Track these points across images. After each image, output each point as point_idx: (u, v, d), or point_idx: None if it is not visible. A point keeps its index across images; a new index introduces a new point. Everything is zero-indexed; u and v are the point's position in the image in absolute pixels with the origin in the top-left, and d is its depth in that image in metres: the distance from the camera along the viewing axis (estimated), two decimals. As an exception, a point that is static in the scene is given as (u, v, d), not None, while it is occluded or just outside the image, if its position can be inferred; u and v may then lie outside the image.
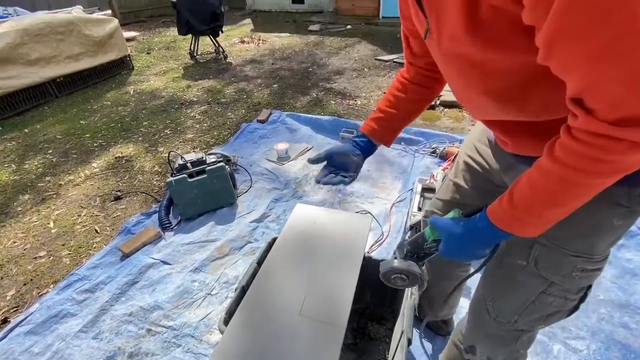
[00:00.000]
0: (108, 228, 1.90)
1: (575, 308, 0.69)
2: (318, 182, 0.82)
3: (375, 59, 4.55)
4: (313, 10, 8.34)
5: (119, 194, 2.14)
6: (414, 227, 1.83)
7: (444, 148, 2.31)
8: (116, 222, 1.94)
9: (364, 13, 7.16)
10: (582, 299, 0.68)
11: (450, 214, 0.63)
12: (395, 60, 4.41)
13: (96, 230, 1.88)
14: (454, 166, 0.93)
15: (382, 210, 1.93)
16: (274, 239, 1.08)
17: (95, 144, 2.79)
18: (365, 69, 4.23)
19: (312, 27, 6.58)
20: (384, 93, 3.43)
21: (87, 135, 2.95)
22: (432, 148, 2.39)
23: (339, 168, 0.83)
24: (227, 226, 1.85)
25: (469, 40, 0.48)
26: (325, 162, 0.84)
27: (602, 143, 0.40)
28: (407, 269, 0.68)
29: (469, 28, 0.46)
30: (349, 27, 6.57)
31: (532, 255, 0.66)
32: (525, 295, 0.70)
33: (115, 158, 2.57)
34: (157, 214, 1.90)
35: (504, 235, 0.54)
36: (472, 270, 0.70)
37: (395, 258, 0.71)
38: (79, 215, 1.99)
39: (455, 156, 0.95)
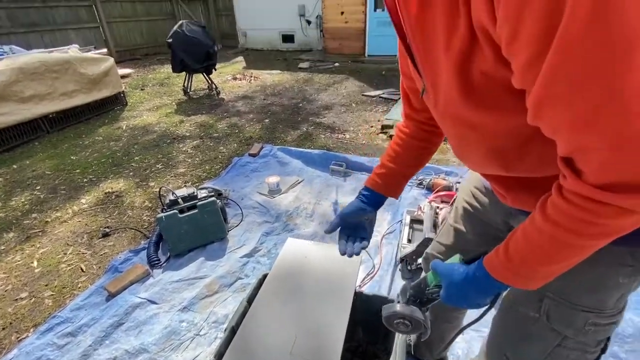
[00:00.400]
0: (94, 266, 1.86)
1: (597, 359, 0.67)
2: (343, 253, 0.81)
3: (362, 95, 4.76)
4: (303, 49, 8.78)
5: (107, 230, 2.11)
6: (404, 260, 1.84)
7: (430, 180, 2.39)
8: (103, 259, 1.90)
9: (350, 52, 7.57)
10: (603, 351, 0.66)
11: (451, 259, 0.63)
12: (380, 96, 4.63)
13: (82, 269, 1.84)
14: (452, 211, 0.93)
15: (373, 242, 1.95)
16: (265, 276, 1.08)
17: (85, 180, 2.78)
18: (353, 104, 4.41)
19: (302, 65, 6.90)
20: (371, 127, 3.59)
21: (77, 170, 2.95)
22: (419, 180, 2.46)
23: (354, 229, 0.82)
24: (217, 262, 1.83)
25: (463, 104, 0.49)
26: (339, 228, 0.82)
27: (590, 206, 0.39)
28: (410, 315, 0.66)
29: (462, 92, 0.48)
30: (336, 64, 6.91)
31: (542, 308, 0.65)
32: (541, 347, 0.68)
33: (105, 194, 2.56)
34: (145, 251, 1.88)
35: (502, 285, 0.53)
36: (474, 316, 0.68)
37: (399, 302, 0.69)
38: (65, 254, 1.95)
39: (454, 201, 0.96)
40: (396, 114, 3.73)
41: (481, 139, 0.54)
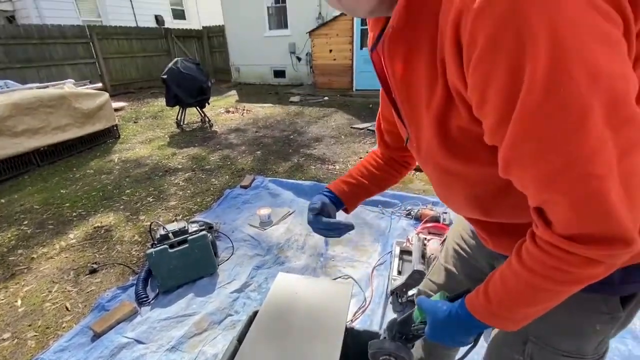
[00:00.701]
0: (80, 305, 1.81)
1: None
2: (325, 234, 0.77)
3: (351, 127, 4.93)
4: (294, 84, 9.13)
5: (94, 266, 2.08)
6: (395, 293, 1.85)
7: (418, 210, 2.45)
8: (90, 297, 1.86)
9: (339, 86, 7.91)
10: None
11: (436, 296, 0.65)
12: (369, 128, 4.80)
13: (67, 308, 1.79)
14: (443, 250, 0.96)
15: (364, 274, 1.96)
16: (255, 313, 1.09)
17: (74, 214, 2.76)
18: (342, 136, 4.56)
19: (293, 99, 7.15)
20: (360, 158, 3.70)
21: (67, 204, 2.93)
22: (407, 210, 2.52)
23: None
24: (207, 298, 1.81)
25: (442, 154, 0.53)
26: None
27: (560, 254, 0.42)
28: (396, 351, 0.68)
29: (442, 144, 0.52)
30: (326, 98, 7.18)
31: (526, 351, 0.67)
32: None
33: (94, 228, 2.53)
34: (134, 287, 1.85)
35: (483, 325, 0.54)
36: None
37: (385, 338, 0.71)
38: (50, 292, 1.90)
39: (444, 240, 0.98)
40: (384, 145, 3.86)
41: (460, 186, 0.58)
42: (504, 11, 0.34)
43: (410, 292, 1.67)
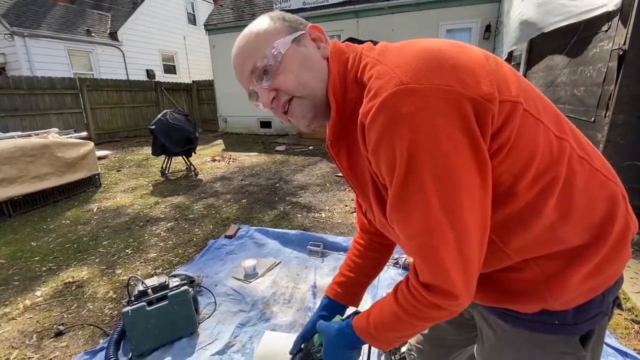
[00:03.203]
0: (40, 374, 1.62)
1: None
2: None
3: (336, 176, 5.04)
4: (279, 133, 9.43)
5: (61, 328, 1.90)
6: (389, 350, 1.78)
7: (406, 259, 2.44)
8: (52, 365, 1.67)
9: (323, 137, 8.00)
10: None
11: (334, 319, 0.76)
12: (354, 176, 4.92)
13: (24, 378, 1.59)
14: None
15: (353, 329, 1.87)
16: (241, 378, 1.01)
17: (43, 268, 2.58)
18: (327, 184, 4.63)
19: (279, 148, 7.33)
20: (346, 206, 3.73)
21: (37, 258, 2.75)
22: (395, 259, 2.50)
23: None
24: (186, 361, 1.66)
25: (386, 221, 0.62)
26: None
27: (417, 296, 0.55)
28: None
29: (383, 213, 0.61)
30: (311, 147, 7.41)
31: None
32: None
33: (65, 284, 2.36)
34: (104, 351, 1.68)
35: (363, 341, 0.67)
36: None
37: None
38: (7, 359, 1.70)
39: None
40: (369, 193, 3.93)
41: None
42: (381, 127, 0.49)
43: (402, 349, 1.60)
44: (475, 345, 0.77)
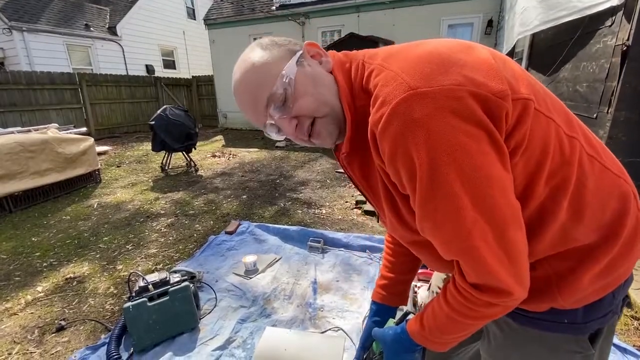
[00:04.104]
0: (42, 369, 1.63)
1: None
2: None
3: (336, 172, 5.03)
4: (280, 128, 9.39)
5: (62, 323, 1.91)
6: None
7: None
8: (55, 359, 1.68)
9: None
10: None
11: (387, 324, 0.74)
12: (354, 172, 4.91)
13: (26, 373, 1.60)
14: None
15: (355, 325, 1.88)
16: (243, 374, 1.01)
17: (44, 264, 2.58)
18: (328, 181, 4.63)
19: (279, 144, 7.31)
20: (346, 202, 3.73)
21: (37, 253, 2.75)
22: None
23: None
24: (187, 357, 1.67)
25: (401, 227, 0.63)
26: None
27: (468, 297, 0.54)
28: None
29: (398, 220, 0.62)
30: (312, 143, 7.39)
31: None
32: None
33: (66, 279, 2.37)
34: (105, 347, 1.69)
35: (421, 345, 0.66)
36: None
37: None
38: (9, 354, 1.71)
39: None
40: (369, 190, 3.93)
41: (428, 252, 0.65)
42: (394, 135, 0.48)
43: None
44: (480, 343, 0.77)
